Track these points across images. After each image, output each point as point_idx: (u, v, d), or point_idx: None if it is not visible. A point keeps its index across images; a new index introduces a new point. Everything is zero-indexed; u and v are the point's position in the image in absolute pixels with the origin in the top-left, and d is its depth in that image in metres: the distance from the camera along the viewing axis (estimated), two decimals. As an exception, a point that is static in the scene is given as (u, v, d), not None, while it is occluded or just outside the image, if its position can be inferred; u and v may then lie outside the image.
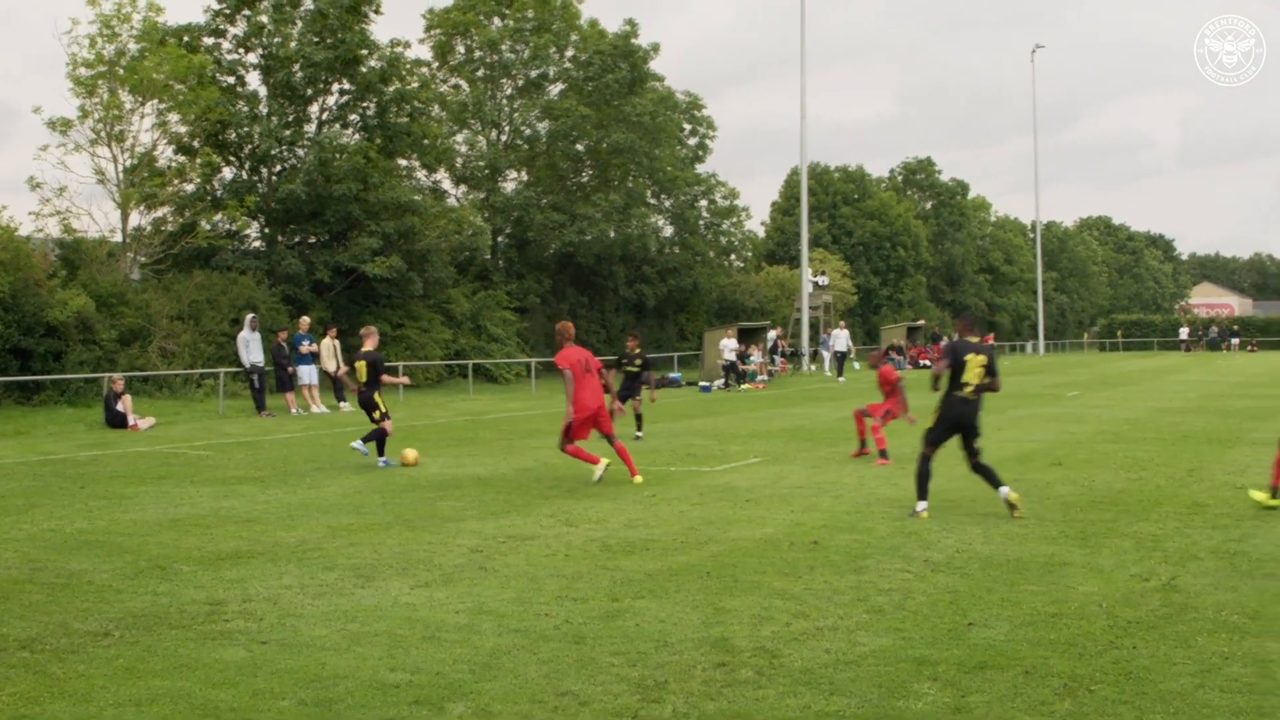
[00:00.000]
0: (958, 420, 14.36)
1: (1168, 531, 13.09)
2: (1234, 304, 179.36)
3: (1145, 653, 8.37)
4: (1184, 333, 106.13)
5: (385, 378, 20.56)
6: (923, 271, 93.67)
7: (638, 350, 25.86)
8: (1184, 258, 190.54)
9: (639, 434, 24.76)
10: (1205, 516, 14.11)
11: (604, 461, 17.59)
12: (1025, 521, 13.74)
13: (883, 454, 19.93)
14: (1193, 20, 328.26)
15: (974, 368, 14.23)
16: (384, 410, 20.34)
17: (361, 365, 20.33)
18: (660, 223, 65.39)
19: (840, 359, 54.28)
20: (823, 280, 66.35)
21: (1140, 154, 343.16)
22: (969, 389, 14.23)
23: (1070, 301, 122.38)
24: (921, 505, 14.35)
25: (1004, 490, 14.24)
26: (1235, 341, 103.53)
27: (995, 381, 14.44)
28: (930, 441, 14.56)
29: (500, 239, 56.72)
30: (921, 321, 78.22)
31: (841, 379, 51.56)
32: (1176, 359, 79.98)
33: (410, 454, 20.28)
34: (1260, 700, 7.36)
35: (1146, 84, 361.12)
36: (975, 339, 14.65)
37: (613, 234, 58.94)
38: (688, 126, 65.83)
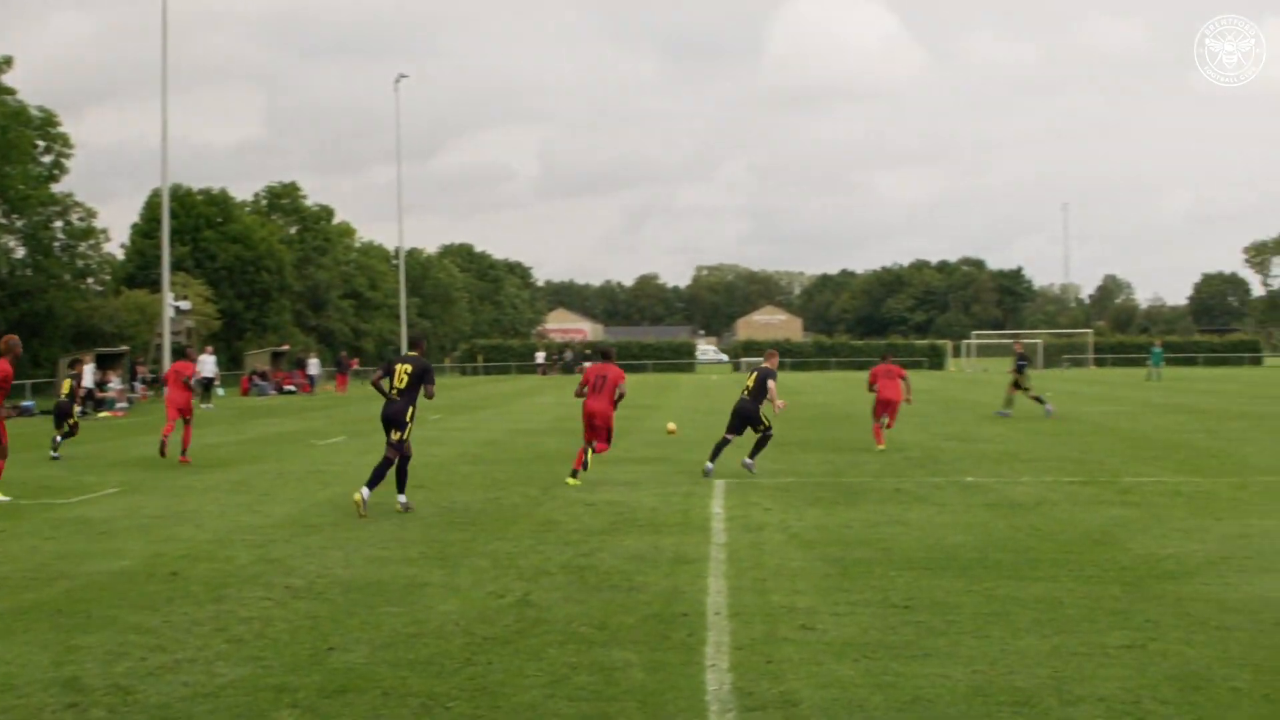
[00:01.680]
0: (383, 417, 16.82)
1: (522, 549, 13.58)
2: (586, 329, 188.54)
3: (499, 667, 8.67)
4: (540, 357, 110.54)
5: None
6: (288, 296, 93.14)
7: None
8: (541, 284, 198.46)
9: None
10: (557, 533, 14.74)
11: None
12: (386, 544, 13.94)
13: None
14: (550, 57, 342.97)
15: (400, 375, 16.72)
16: None
17: None
18: (11, 243, 62.12)
19: (206, 385, 53.05)
20: (185, 305, 64.71)
21: (501, 184, 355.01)
22: (395, 391, 16.70)
23: (434, 326, 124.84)
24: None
25: (365, 492, 16.23)
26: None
27: (428, 389, 16.92)
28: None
29: None
30: (286, 346, 77.70)
31: (207, 405, 50.47)
32: (534, 382, 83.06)
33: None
34: (605, 706, 7.77)
35: (507, 116, 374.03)
36: (414, 354, 17.25)
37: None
38: (41, 144, 62.83)
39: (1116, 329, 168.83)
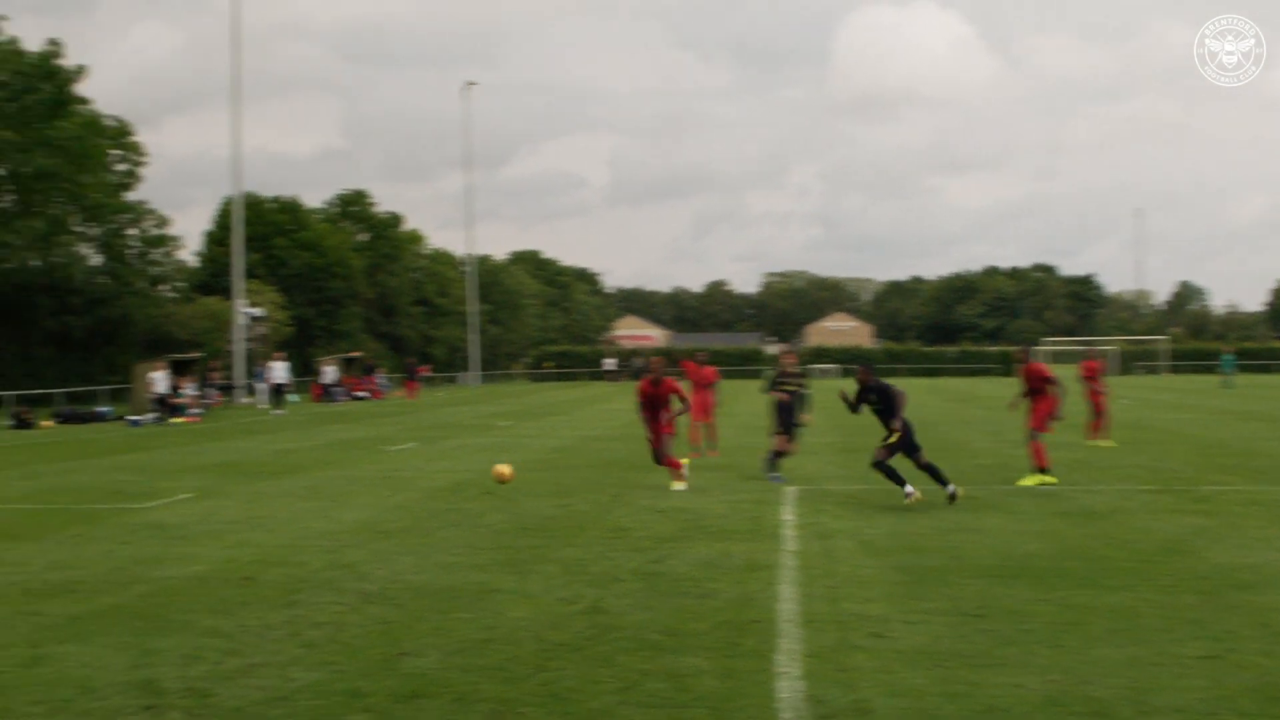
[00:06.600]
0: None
1: (593, 556, 13.57)
2: (656, 336, 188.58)
3: (571, 673, 8.66)
4: (609, 363, 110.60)
5: None
6: (358, 303, 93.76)
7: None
8: (610, 291, 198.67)
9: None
10: (627, 540, 14.72)
11: None
12: (458, 550, 13.97)
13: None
14: (619, 65, 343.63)
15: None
16: None
17: None
18: (87, 251, 62.87)
19: (278, 391, 53.41)
20: (257, 312, 65.30)
21: (570, 192, 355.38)
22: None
23: (503, 333, 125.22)
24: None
25: None
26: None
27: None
28: None
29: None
30: (358, 353, 78.15)
31: (279, 411, 50.84)
32: (602, 389, 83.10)
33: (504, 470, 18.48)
34: (676, 713, 7.75)
35: (576, 124, 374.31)
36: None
37: (36, 262, 56.13)
38: (117, 152, 63.56)
39: (1191, 335, 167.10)
